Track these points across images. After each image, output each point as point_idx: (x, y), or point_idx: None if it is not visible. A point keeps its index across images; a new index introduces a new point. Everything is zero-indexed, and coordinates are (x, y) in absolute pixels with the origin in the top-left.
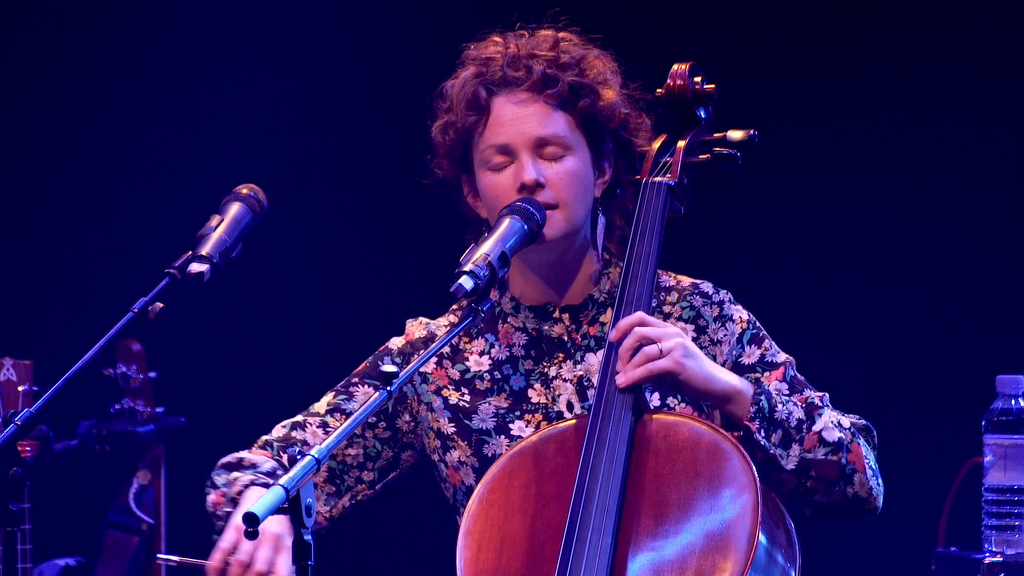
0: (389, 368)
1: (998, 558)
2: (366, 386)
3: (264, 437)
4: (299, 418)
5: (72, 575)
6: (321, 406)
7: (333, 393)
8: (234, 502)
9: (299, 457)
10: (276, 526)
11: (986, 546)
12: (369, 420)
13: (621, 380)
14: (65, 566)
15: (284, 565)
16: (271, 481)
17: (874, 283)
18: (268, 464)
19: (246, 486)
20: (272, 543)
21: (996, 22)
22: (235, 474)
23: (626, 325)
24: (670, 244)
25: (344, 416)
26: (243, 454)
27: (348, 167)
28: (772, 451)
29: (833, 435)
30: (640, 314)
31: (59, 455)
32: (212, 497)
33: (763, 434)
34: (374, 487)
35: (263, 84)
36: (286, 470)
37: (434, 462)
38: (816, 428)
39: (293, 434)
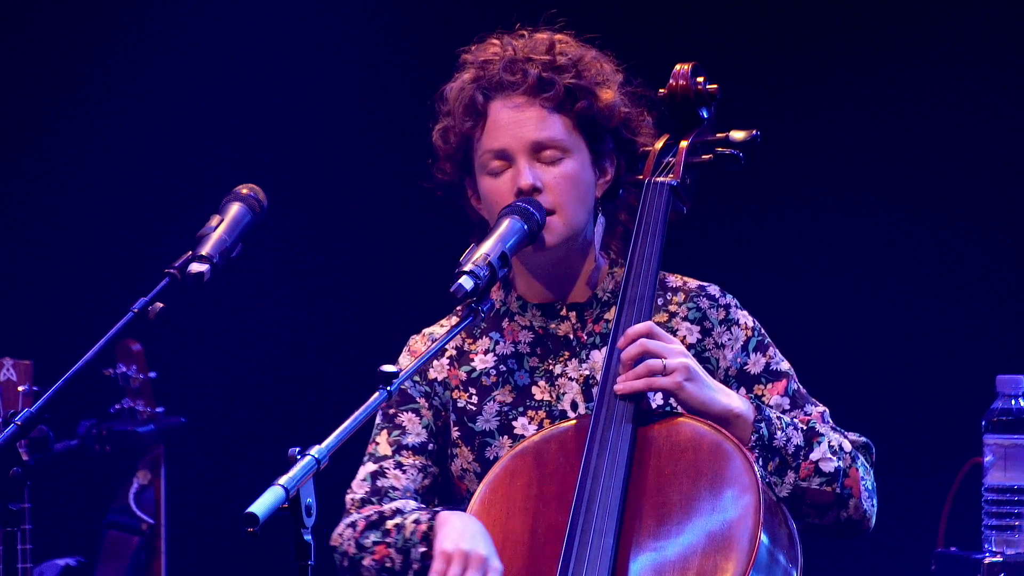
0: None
1: (998, 558)
2: (408, 413)
3: (354, 497)
4: (371, 467)
5: (72, 575)
6: (383, 448)
7: (385, 432)
8: (405, 549)
9: (299, 457)
10: (483, 548)
11: (986, 546)
12: (428, 447)
13: (620, 388)
14: (65, 566)
15: None
16: (429, 514)
17: (875, 283)
18: (409, 504)
19: (417, 522)
20: (479, 566)
21: (997, 22)
22: (391, 523)
23: (634, 333)
24: (673, 245)
25: (409, 452)
26: (372, 510)
27: (348, 167)
28: (767, 479)
29: (830, 465)
30: (650, 324)
31: (59, 455)
32: (370, 560)
33: (760, 462)
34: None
35: (263, 84)
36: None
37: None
38: (814, 457)
39: (379, 483)
